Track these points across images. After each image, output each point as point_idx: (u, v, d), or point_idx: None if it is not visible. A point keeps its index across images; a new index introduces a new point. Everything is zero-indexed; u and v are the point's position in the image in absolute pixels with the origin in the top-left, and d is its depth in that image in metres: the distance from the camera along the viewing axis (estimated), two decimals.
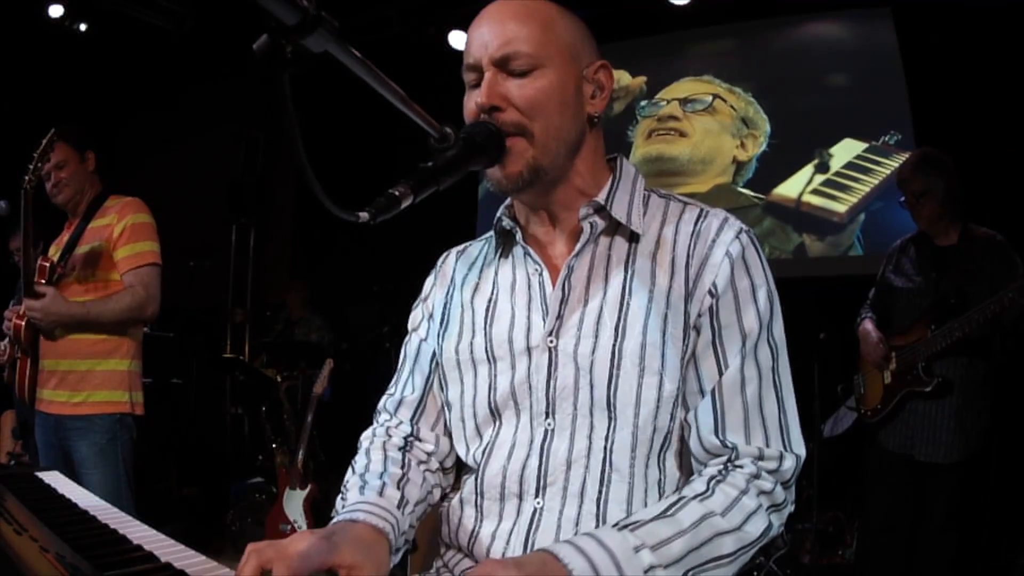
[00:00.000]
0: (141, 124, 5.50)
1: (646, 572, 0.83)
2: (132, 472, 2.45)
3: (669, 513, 0.89)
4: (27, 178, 2.31)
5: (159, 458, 2.43)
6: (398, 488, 1.04)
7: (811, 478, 3.29)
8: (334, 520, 0.98)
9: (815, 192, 4.49)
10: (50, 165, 2.46)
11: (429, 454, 1.16)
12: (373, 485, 1.03)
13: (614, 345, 0.99)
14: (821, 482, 3.26)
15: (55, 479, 1.41)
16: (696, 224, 1.03)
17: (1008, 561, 3.05)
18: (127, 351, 2.47)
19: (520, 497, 1.02)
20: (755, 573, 3.08)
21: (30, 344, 2.40)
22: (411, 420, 1.16)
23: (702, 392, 0.99)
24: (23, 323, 2.37)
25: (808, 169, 4.53)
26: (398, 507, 1.01)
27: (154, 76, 5.37)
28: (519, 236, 1.09)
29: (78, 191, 2.53)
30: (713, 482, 0.94)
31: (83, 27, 5.03)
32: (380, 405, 1.21)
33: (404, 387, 1.19)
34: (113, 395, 2.41)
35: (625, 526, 0.87)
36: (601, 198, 1.04)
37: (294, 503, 3.61)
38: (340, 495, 1.06)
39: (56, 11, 4.85)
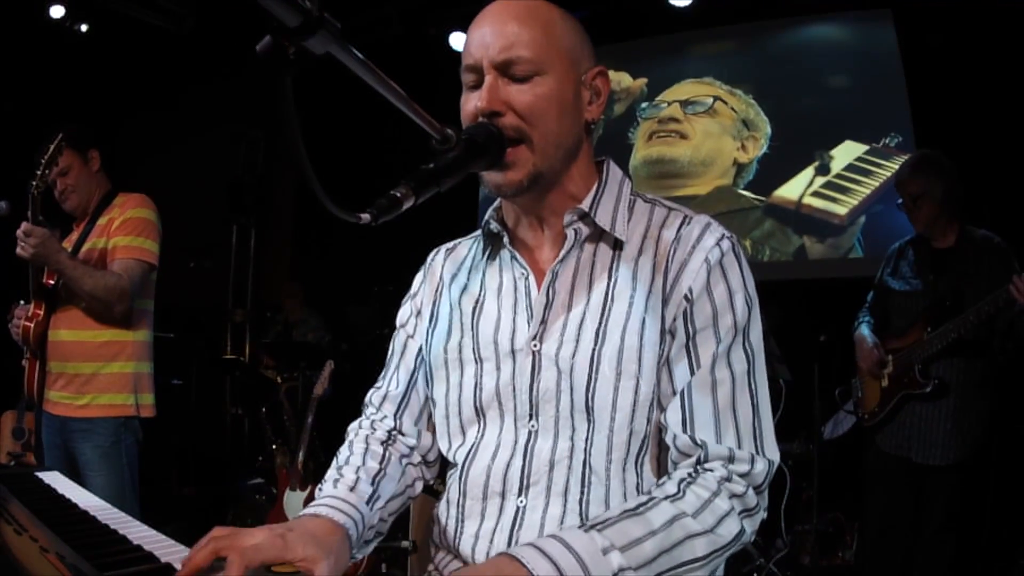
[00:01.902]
0: (141, 124, 5.50)
1: (615, 575, 0.82)
2: (137, 475, 2.42)
3: (639, 512, 0.88)
4: (34, 184, 2.25)
5: (159, 458, 2.42)
6: (372, 483, 1.07)
7: (811, 479, 3.29)
8: (300, 513, 1.00)
9: (816, 194, 4.49)
10: (55, 172, 2.42)
11: (411, 448, 1.18)
12: (347, 479, 1.06)
13: (594, 350, 0.99)
14: (821, 484, 3.26)
15: (55, 479, 1.41)
16: (679, 230, 1.03)
17: (1008, 562, 3.06)
18: (132, 353, 2.44)
19: (503, 496, 1.03)
20: (755, 574, 3.07)
21: (38, 346, 2.37)
22: (394, 415, 1.19)
23: (674, 393, 0.99)
24: (31, 325, 2.35)
25: (809, 171, 4.53)
26: (367, 502, 1.04)
27: (154, 76, 5.37)
28: (506, 240, 1.10)
29: (85, 196, 2.49)
30: (684, 484, 0.93)
31: (84, 28, 5.03)
32: (367, 398, 1.23)
33: (389, 382, 1.21)
34: (117, 398, 2.39)
35: (593, 526, 0.86)
36: (585, 205, 1.05)
37: (294, 504, 3.61)
38: (318, 486, 1.09)
39: (57, 12, 4.85)
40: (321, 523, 0.96)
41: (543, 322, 1.03)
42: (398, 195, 0.86)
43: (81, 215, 2.53)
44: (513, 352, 1.05)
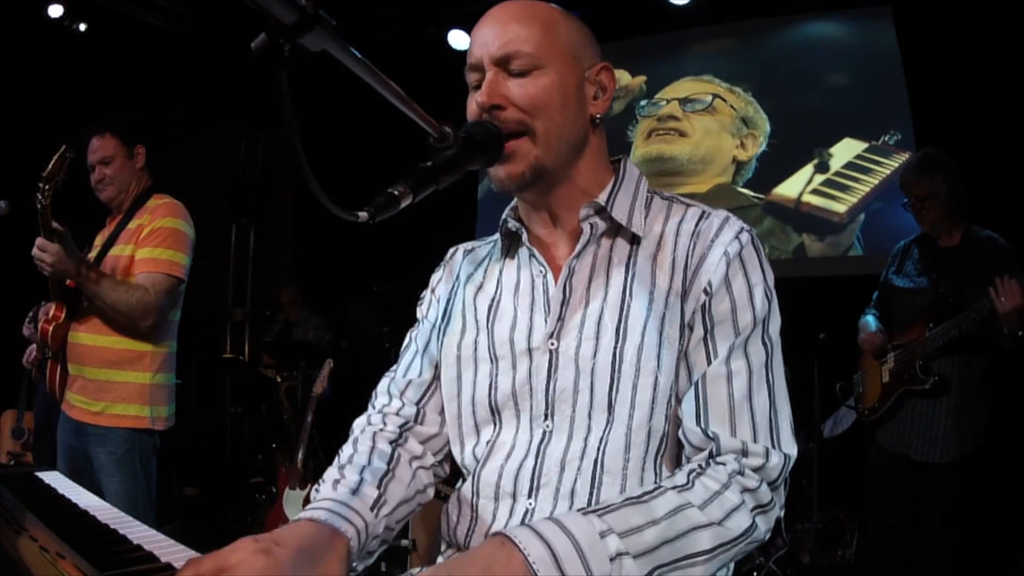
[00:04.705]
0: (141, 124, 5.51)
1: (612, 560, 0.80)
2: (154, 483, 2.36)
3: (643, 500, 0.87)
4: (39, 197, 2.14)
5: (159, 458, 2.41)
6: (378, 486, 1.01)
7: (811, 478, 3.29)
8: (297, 516, 0.93)
9: (815, 192, 4.49)
10: (95, 159, 2.35)
11: (427, 440, 1.13)
12: (349, 480, 1.00)
13: (615, 348, 0.98)
14: (821, 482, 3.26)
15: (55, 479, 1.40)
16: (697, 224, 1.03)
17: (1008, 562, 3.05)
18: (150, 364, 2.35)
19: (514, 497, 1.02)
20: (755, 573, 3.08)
21: (59, 348, 2.32)
22: (417, 402, 1.14)
23: (691, 384, 0.98)
24: (50, 327, 2.30)
25: (808, 169, 4.53)
26: (372, 508, 0.98)
27: (154, 76, 5.37)
28: (525, 237, 1.09)
29: (122, 189, 2.41)
30: (693, 475, 0.91)
31: (83, 27, 5.02)
32: (380, 387, 1.17)
33: (409, 369, 1.16)
34: (131, 408, 2.31)
35: (593, 511, 0.84)
36: (602, 199, 1.04)
37: (294, 503, 3.61)
38: (315, 485, 1.03)
39: (56, 11, 4.84)
40: (318, 531, 0.89)
41: (560, 319, 1.03)
42: (396, 193, 0.86)
43: (116, 210, 2.45)
44: (530, 350, 1.04)
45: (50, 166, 2.15)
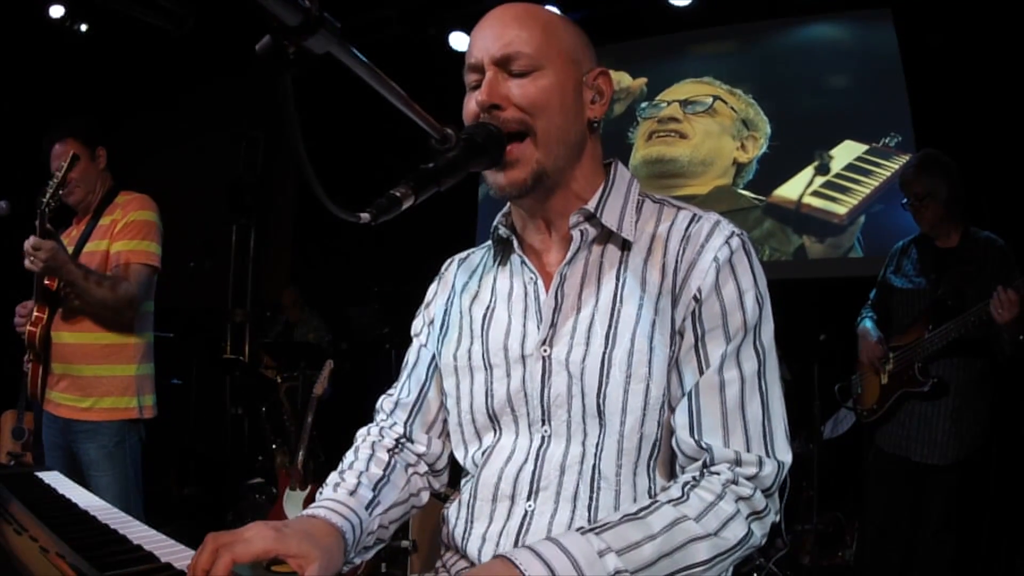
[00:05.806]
0: (141, 124, 5.50)
1: None
2: (140, 474, 2.42)
3: (640, 516, 0.88)
4: (45, 200, 2.21)
5: (159, 458, 2.42)
6: (373, 489, 1.08)
7: (811, 479, 3.29)
8: (298, 515, 1.01)
9: (815, 194, 4.49)
10: (60, 164, 2.38)
11: (419, 456, 1.19)
12: (348, 483, 1.07)
13: (604, 353, 0.99)
14: (821, 483, 3.26)
15: (55, 479, 1.41)
16: (687, 229, 1.02)
17: (1008, 562, 3.05)
18: (133, 355, 2.42)
19: (512, 500, 1.03)
20: (755, 574, 3.08)
21: (42, 349, 2.36)
22: (405, 422, 1.20)
23: (683, 395, 0.98)
24: (36, 329, 2.33)
25: (808, 171, 4.53)
26: (367, 507, 1.04)
27: (154, 76, 5.37)
28: (516, 245, 1.10)
29: (89, 191, 2.46)
30: (688, 487, 0.92)
31: (84, 27, 5.03)
32: (379, 404, 1.24)
33: (402, 390, 1.22)
34: (120, 401, 2.37)
35: (591, 529, 0.85)
36: (591, 206, 1.04)
37: (294, 504, 3.61)
38: (320, 489, 1.09)
39: (57, 11, 4.85)
40: (317, 523, 0.97)
41: (552, 325, 1.03)
42: (397, 195, 0.86)
43: (83, 211, 2.50)
44: (523, 357, 1.05)
45: (63, 172, 2.24)
